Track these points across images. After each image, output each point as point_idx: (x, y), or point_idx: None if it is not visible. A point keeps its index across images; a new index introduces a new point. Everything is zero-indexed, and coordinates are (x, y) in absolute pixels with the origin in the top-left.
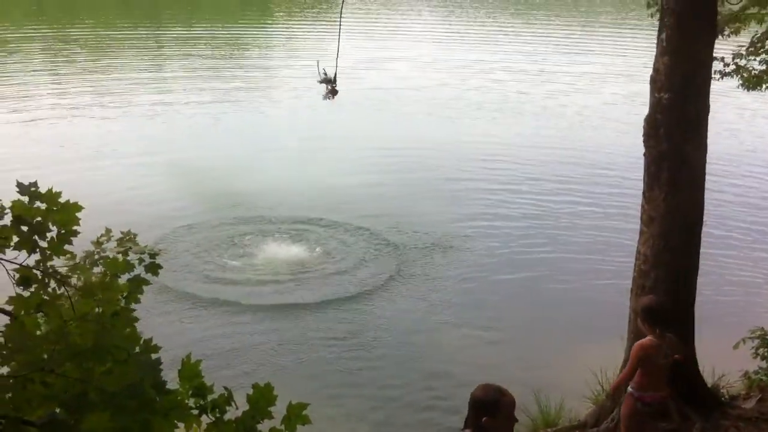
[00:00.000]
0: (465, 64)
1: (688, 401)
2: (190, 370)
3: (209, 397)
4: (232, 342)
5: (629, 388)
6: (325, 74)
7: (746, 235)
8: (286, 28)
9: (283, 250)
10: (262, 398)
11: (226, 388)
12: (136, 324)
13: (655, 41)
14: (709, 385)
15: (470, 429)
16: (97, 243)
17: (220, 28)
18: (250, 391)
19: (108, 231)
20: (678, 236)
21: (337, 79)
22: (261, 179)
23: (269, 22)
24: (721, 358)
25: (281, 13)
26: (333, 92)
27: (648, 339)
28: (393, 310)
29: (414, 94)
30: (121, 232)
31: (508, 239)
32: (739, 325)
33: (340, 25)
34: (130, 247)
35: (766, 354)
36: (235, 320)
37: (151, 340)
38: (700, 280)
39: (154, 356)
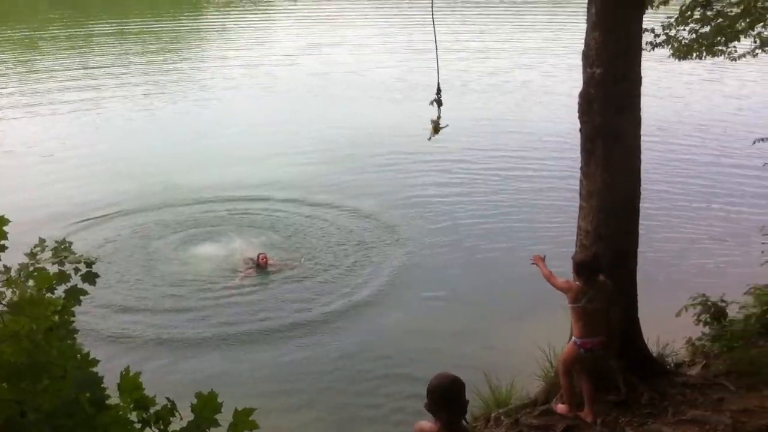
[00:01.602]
0: (403, 45)
1: (635, 372)
2: (129, 383)
3: (152, 409)
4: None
5: (572, 337)
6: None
7: (688, 202)
8: (219, 19)
9: (219, 247)
10: (206, 407)
11: (168, 399)
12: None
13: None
14: (655, 355)
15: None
16: (31, 255)
17: (152, 22)
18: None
19: (42, 241)
20: (616, 210)
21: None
22: (198, 171)
23: (201, 14)
24: (665, 327)
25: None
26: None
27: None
28: (335, 300)
29: (355, 78)
30: (56, 242)
31: (452, 218)
32: (681, 293)
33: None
34: (66, 257)
35: (707, 320)
36: (180, 328)
37: (88, 354)
38: (640, 249)
39: (93, 371)
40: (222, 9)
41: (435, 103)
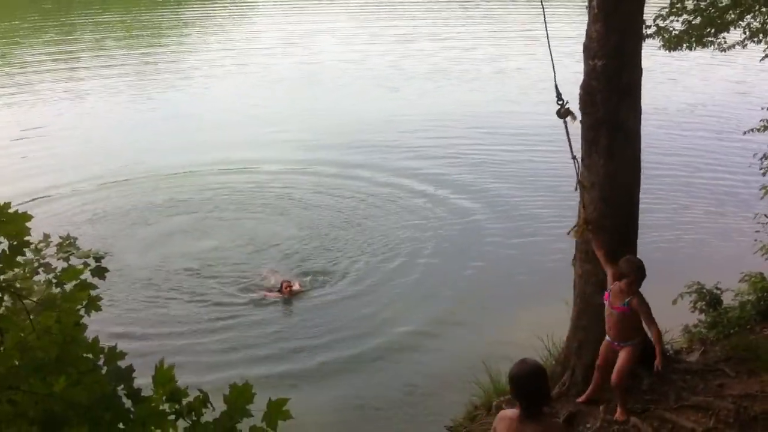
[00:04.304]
0: (389, 34)
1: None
2: (163, 375)
3: (184, 401)
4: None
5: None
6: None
7: (680, 191)
8: (200, 11)
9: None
10: (240, 397)
11: (200, 390)
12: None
13: (586, 6)
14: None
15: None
16: (36, 250)
17: (135, 13)
18: (227, 392)
19: (46, 236)
20: (618, 201)
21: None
22: (190, 163)
23: (181, 5)
24: (662, 314)
25: None
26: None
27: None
28: (331, 297)
29: (349, 67)
30: (60, 237)
31: (449, 209)
32: (676, 281)
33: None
34: (72, 252)
35: (703, 307)
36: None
37: (115, 347)
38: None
39: (122, 364)
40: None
41: (566, 115)
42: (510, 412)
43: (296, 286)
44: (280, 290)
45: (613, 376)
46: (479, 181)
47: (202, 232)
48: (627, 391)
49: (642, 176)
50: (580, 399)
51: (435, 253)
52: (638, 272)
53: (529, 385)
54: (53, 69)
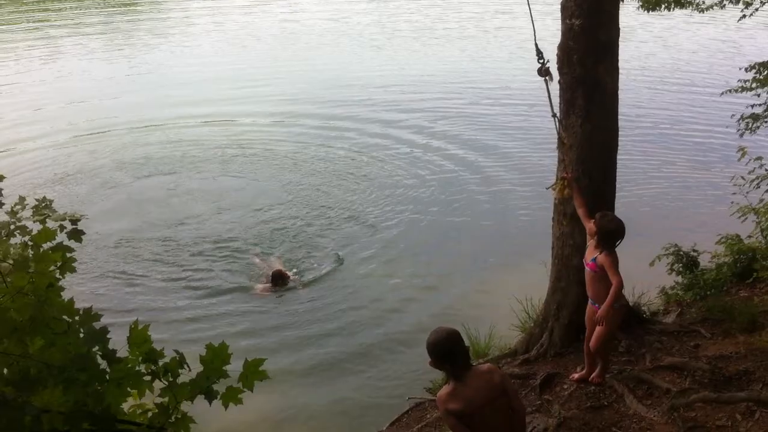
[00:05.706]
0: None
1: None
2: (138, 336)
3: (160, 362)
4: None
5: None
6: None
7: (663, 147)
8: None
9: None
10: (216, 358)
11: (177, 352)
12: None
13: None
14: (631, 303)
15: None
16: (12, 212)
17: None
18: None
19: (22, 199)
20: (595, 161)
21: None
22: (167, 118)
23: None
24: (639, 277)
25: None
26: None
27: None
28: (315, 271)
29: (332, 25)
30: (36, 199)
31: (432, 166)
32: (654, 243)
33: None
34: (48, 215)
35: (680, 269)
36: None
37: (90, 309)
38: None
39: (98, 325)
40: None
41: (546, 74)
42: (446, 389)
43: (289, 280)
44: (272, 280)
45: (592, 342)
46: (464, 138)
47: (181, 192)
48: (606, 355)
49: (623, 133)
50: (575, 377)
51: (417, 214)
52: (605, 236)
53: (449, 348)
54: (27, 26)
